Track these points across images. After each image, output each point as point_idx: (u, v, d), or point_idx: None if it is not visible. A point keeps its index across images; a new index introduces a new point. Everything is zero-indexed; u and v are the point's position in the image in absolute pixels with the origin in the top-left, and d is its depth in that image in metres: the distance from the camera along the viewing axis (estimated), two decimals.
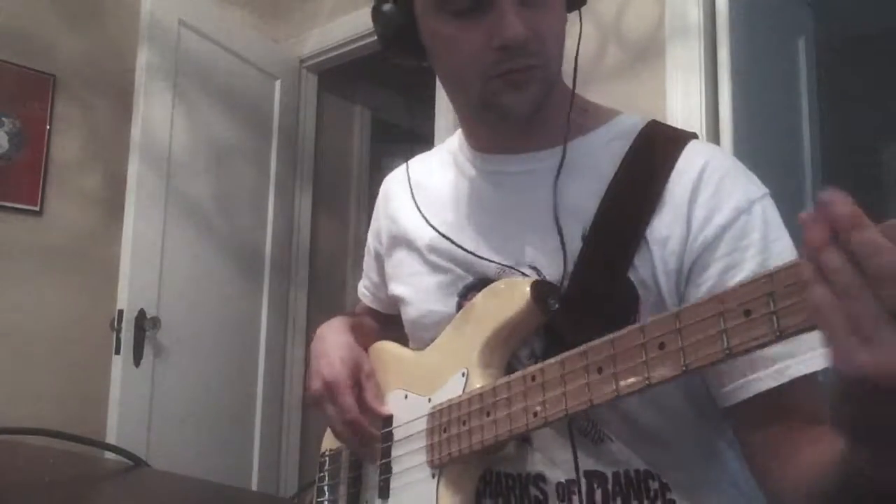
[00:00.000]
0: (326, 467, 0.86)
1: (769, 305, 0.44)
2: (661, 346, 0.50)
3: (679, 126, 0.80)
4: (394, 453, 0.75)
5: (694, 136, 0.75)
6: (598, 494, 0.68)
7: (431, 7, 0.69)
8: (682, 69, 1.80)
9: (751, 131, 1.83)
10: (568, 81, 0.79)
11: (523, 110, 0.70)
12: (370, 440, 0.78)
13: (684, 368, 0.49)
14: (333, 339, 0.85)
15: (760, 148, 1.88)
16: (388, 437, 0.76)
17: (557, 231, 0.70)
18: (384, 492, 0.75)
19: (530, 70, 0.68)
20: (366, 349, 0.86)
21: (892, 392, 0.38)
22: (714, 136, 1.76)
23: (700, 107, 1.76)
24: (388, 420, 0.77)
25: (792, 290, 0.43)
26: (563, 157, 0.73)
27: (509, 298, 0.68)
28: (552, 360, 0.58)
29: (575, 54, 0.76)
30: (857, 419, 0.42)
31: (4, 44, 2.20)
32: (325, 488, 0.85)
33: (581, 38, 0.75)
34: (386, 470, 0.75)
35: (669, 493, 0.68)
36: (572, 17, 0.75)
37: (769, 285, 0.44)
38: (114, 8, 2.46)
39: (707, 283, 0.66)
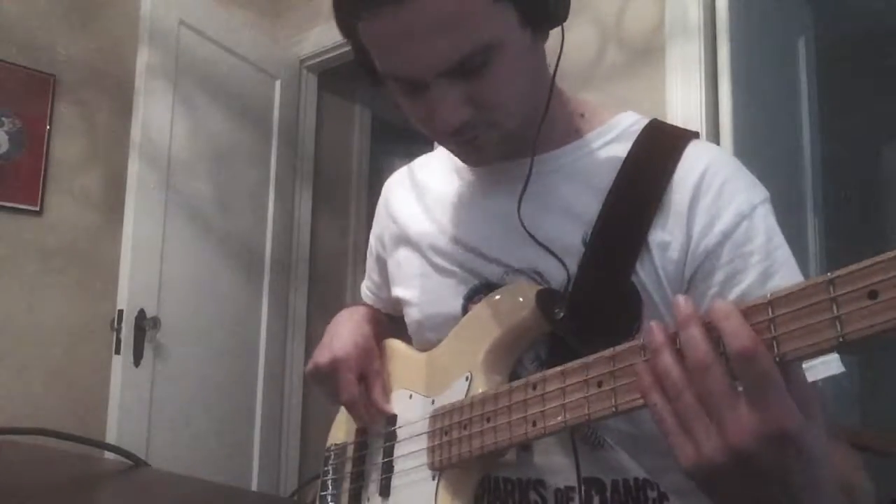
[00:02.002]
0: (331, 461, 0.86)
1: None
2: None
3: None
4: (396, 452, 0.75)
5: (695, 135, 0.74)
6: (596, 502, 0.68)
7: (385, 77, 0.67)
8: (682, 69, 1.80)
9: (751, 131, 1.83)
10: (563, 80, 0.78)
11: (487, 164, 0.71)
12: (364, 421, 0.79)
13: None
14: (353, 324, 0.85)
15: (760, 148, 1.88)
16: (392, 436, 0.76)
17: (563, 233, 0.70)
18: (385, 490, 0.75)
19: (479, 138, 0.67)
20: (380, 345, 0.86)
21: (716, 476, 0.45)
22: (714, 136, 1.76)
23: (700, 107, 1.76)
24: (392, 419, 0.77)
25: None
26: (529, 175, 0.71)
27: (515, 305, 0.67)
28: (554, 371, 0.58)
29: (554, 68, 0.73)
30: (706, 493, 0.48)
31: (4, 44, 2.20)
32: (329, 482, 0.85)
33: (563, 48, 0.72)
34: (387, 468, 0.75)
35: (668, 501, 0.68)
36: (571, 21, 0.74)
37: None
38: (114, 8, 2.46)
39: (712, 290, 0.66)
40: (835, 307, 0.41)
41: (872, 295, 0.40)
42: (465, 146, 0.69)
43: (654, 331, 0.48)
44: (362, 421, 0.81)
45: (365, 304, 0.96)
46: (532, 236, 0.71)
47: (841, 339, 0.41)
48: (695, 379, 0.45)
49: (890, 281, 0.39)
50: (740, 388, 0.44)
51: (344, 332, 0.83)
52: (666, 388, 0.47)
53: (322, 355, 0.81)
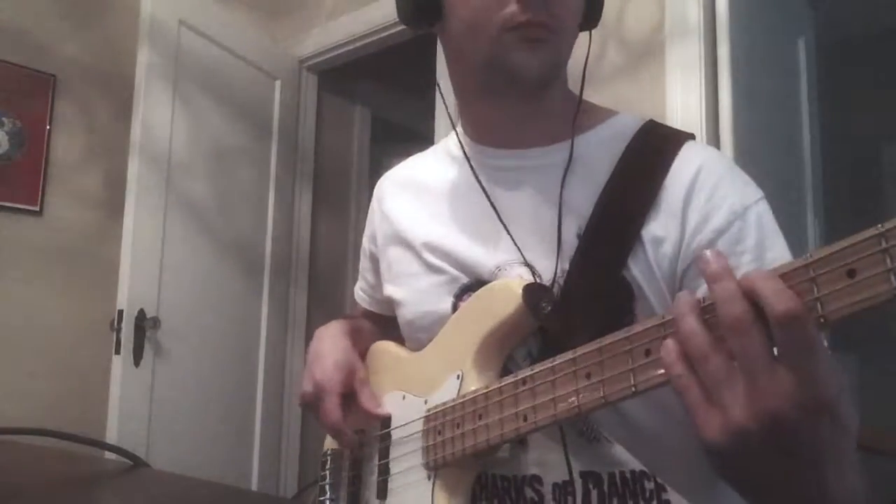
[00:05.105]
0: (328, 466, 0.86)
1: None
2: (647, 353, 0.50)
3: (679, 126, 0.80)
4: (392, 454, 0.75)
5: (691, 136, 0.75)
6: (594, 495, 0.68)
7: None
8: (682, 69, 1.80)
9: (751, 131, 1.83)
10: (571, 87, 0.79)
11: (532, 72, 0.69)
12: (352, 444, 0.78)
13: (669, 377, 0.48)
14: (329, 342, 0.85)
15: (760, 148, 1.88)
16: (387, 437, 0.76)
17: (557, 229, 0.70)
18: (382, 492, 0.75)
19: (546, 28, 0.68)
20: (363, 353, 0.86)
21: (746, 445, 0.42)
22: (714, 136, 1.76)
23: (700, 107, 1.76)
24: (387, 421, 0.77)
25: None
26: (571, 157, 0.73)
27: (501, 302, 0.67)
28: (543, 366, 0.58)
29: (584, 66, 0.76)
30: (729, 475, 0.46)
31: (4, 44, 2.20)
32: (327, 487, 0.85)
33: (586, 47, 0.78)
34: (384, 470, 0.76)
35: (665, 493, 0.68)
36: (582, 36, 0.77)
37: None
38: (114, 8, 2.46)
39: (703, 287, 0.66)
40: (815, 288, 0.41)
41: (851, 274, 0.40)
42: (525, 35, 0.68)
43: (681, 298, 0.46)
44: (349, 445, 0.80)
45: (341, 317, 0.95)
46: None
47: (822, 321, 0.41)
48: (729, 338, 0.42)
49: (868, 259, 0.39)
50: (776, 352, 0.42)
51: (324, 354, 0.83)
52: (691, 354, 0.44)
53: (306, 384, 0.81)
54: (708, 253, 0.45)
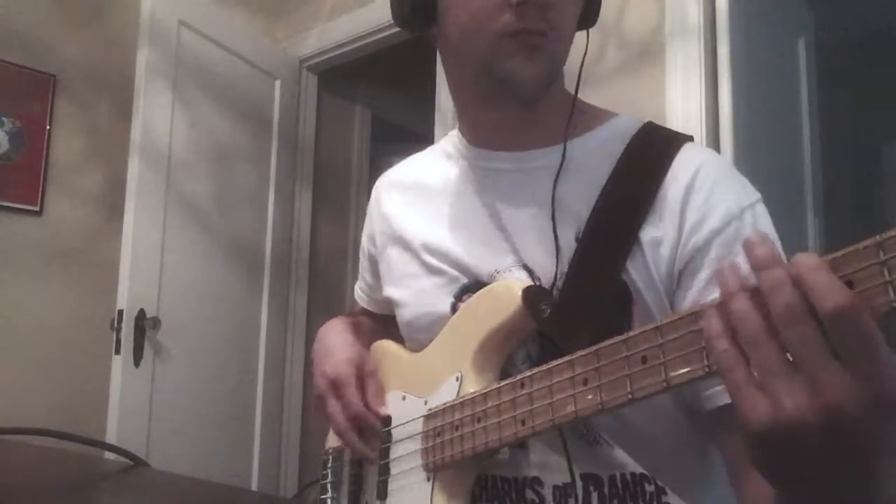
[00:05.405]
0: (329, 465, 0.86)
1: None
2: (644, 359, 0.49)
3: (679, 126, 0.80)
4: (392, 454, 0.75)
5: (690, 138, 0.75)
6: (595, 497, 0.68)
7: None
8: (682, 69, 1.80)
9: (751, 131, 1.83)
10: (569, 87, 0.79)
11: (529, 81, 0.69)
12: (372, 437, 0.78)
13: (665, 385, 0.48)
14: (336, 339, 0.85)
15: (760, 148, 1.88)
16: (387, 437, 0.76)
17: (553, 231, 0.70)
18: (382, 493, 0.75)
19: (544, 36, 0.68)
20: (366, 349, 0.86)
21: (795, 439, 0.39)
22: (714, 137, 1.76)
23: (700, 107, 1.76)
24: (387, 421, 0.77)
25: None
26: (563, 159, 0.73)
27: (501, 303, 0.67)
28: (541, 369, 0.58)
29: (580, 65, 0.76)
30: (767, 464, 0.43)
31: (4, 44, 2.20)
32: (328, 486, 0.85)
33: (584, 47, 0.77)
34: (384, 471, 0.76)
35: (665, 496, 0.68)
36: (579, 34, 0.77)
37: None
38: (114, 8, 2.46)
39: (695, 287, 0.66)
40: None
41: (849, 285, 0.39)
42: (524, 43, 0.68)
43: (728, 273, 0.43)
44: (372, 433, 0.79)
45: (341, 316, 0.95)
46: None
47: None
48: (782, 327, 0.40)
49: (866, 270, 0.39)
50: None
51: (333, 351, 0.83)
52: (741, 336, 0.41)
53: (320, 384, 0.81)
54: (753, 237, 0.42)
